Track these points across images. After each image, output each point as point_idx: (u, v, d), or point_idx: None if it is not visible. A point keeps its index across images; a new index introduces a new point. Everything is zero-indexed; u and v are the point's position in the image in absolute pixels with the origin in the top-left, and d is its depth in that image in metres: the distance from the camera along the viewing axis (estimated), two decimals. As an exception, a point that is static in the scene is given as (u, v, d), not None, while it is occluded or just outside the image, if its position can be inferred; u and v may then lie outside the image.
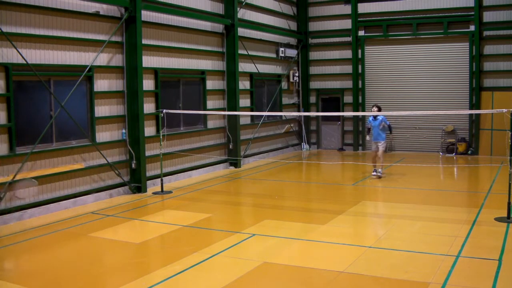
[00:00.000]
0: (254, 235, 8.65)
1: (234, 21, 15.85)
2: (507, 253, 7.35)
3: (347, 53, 20.01)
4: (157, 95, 13.26)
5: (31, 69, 9.84)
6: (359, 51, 19.82)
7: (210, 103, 15.51)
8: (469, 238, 8.18)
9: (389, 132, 14.23)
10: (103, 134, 11.73)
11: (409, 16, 18.84)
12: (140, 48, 12.02)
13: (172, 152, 13.70)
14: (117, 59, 12.04)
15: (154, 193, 12.24)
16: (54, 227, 9.34)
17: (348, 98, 20.22)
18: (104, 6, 11.58)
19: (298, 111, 20.77)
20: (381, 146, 14.01)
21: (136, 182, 12.33)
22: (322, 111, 20.69)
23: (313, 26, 20.78)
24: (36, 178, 10.10)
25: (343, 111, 20.31)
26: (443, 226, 8.97)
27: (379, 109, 13.89)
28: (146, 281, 6.58)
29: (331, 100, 20.73)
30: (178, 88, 14.34)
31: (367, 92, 19.84)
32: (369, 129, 14.58)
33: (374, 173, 14.00)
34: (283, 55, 19.33)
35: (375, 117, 13.98)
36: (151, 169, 12.95)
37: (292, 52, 19.93)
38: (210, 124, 15.52)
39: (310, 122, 21.16)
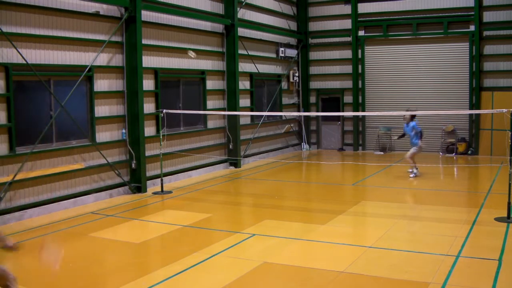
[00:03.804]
0: (254, 235, 8.65)
1: (234, 21, 15.84)
2: (507, 253, 7.35)
3: (347, 53, 20.01)
4: (157, 95, 13.26)
5: (31, 69, 9.85)
6: (359, 51, 19.82)
7: (210, 103, 15.51)
8: (469, 238, 8.18)
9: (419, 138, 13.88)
10: (103, 134, 11.73)
11: (409, 16, 18.84)
12: (140, 48, 12.02)
13: (172, 152, 13.70)
14: (117, 59, 12.04)
15: (154, 193, 12.24)
16: (54, 227, 9.34)
17: (348, 98, 20.22)
18: (104, 6, 11.57)
19: (298, 111, 20.77)
20: (412, 149, 13.90)
21: (136, 182, 12.33)
22: (322, 111, 20.69)
23: (313, 26, 20.78)
24: (36, 178, 10.11)
25: (343, 111, 20.31)
26: (443, 226, 8.97)
27: (411, 116, 13.79)
28: (146, 281, 6.58)
29: (331, 100, 20.73)
30: (178, 88, 14.34)
31: (367, 92, 19.84)
32: (403, 134, 14.36)
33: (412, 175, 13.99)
34: (283, 55, 19.33)
35: (408, 123, 13.87)
36: (151, 169, 12.95)
37: (292, 52, 19.93)
38: (210, 124, 15.52)
39: (310, 122, 21.16)
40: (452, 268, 6.78)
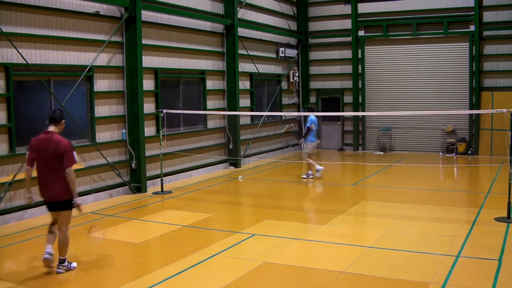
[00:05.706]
0: (254, 235, 8.65)
1: (234, 21, 15.85)
2: (507, 253, 7.35)
3: (347, 53, 20.01)
4: (157, 95, 13.26)
5: (31, 69, 9.84)
6: (359, 51, 19.82)
7: (210, 103, 15.51)
8: (469, 238, 8.18)
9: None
10: (103, 134, 11.73)
11: (409, 16, 18.84)
12: (140, 48, 12.02)
13: (172, 152, 13.70)
14: (117, 59, 12.04)
15: (154, 193, 12.24)
16: (54, 227, 9.31)
17: (348, 98, 20.22)
18: (104, 6, 11.58)
19: (298, 111, 20.77)
20: (305, 149, 13.74)
21: (136, 182, 12.33)
22: (322, 111, 20.67)
23: (313, 26, 20.78)
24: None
25: (343, 111, 20.32)
26: (443, 226, 8.97)
27: (310, 110, 14.08)
28: (146, 281, 6.58)
29: (331, 100, 20.73)
30: (178, 88, 14.34)
31: (367, 92, 19.85)
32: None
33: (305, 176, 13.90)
34: (283, 55, 19.33)
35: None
36: (151, 169, 12.95)
37: (292, 52, 19.93)
38: (210, 124, 15.52)
39: (310, 122, 21.12)
40: (452, 268, 6.78)
